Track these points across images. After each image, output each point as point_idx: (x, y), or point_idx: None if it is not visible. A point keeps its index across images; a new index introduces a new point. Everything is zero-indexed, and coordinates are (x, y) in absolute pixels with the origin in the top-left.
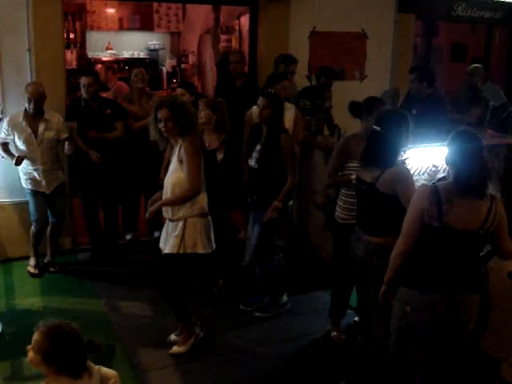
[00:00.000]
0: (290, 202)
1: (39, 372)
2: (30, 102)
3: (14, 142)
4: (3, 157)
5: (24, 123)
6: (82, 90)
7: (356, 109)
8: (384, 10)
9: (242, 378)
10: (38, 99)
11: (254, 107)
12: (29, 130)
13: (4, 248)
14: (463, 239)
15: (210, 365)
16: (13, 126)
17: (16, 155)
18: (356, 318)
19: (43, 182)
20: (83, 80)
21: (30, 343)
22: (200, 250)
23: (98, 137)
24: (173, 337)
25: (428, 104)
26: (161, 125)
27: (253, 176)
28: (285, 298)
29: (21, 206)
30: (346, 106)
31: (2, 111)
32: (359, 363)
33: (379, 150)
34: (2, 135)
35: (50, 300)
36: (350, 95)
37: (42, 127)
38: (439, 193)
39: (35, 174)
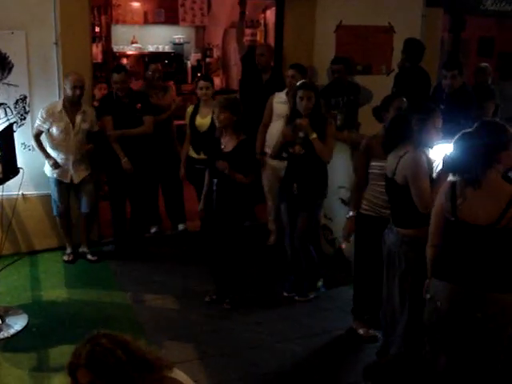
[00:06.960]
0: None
1: (64, 364)
2: (73, 88)
3: (49, 131)
4: (30, 149)
5: (63, 112)
6: (115, 87)
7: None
8: (412, 3)
9: (267, 374)
10: (81, 86)
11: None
12: (67, 120)
13: (30, 240)
14: (477, 234)
15: (234, 360)
16: (50, 114)
17: (51, 158)
18: None
19: (71, 173)
20: (115, 77)
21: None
22: None
23: (120, 135)
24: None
25: (456, 99)
26: None
27: (296, 162)
28: (319, 284)
29: (46, 199)
30: (372, 101)
31: (29, 104)
32: (383, 362)
33: (386, 137)
34: (38, 122)
35: (76, 292)
36: (377, 90)
37: (79, 118)
38: (455, 187)
39: (65, 163)
